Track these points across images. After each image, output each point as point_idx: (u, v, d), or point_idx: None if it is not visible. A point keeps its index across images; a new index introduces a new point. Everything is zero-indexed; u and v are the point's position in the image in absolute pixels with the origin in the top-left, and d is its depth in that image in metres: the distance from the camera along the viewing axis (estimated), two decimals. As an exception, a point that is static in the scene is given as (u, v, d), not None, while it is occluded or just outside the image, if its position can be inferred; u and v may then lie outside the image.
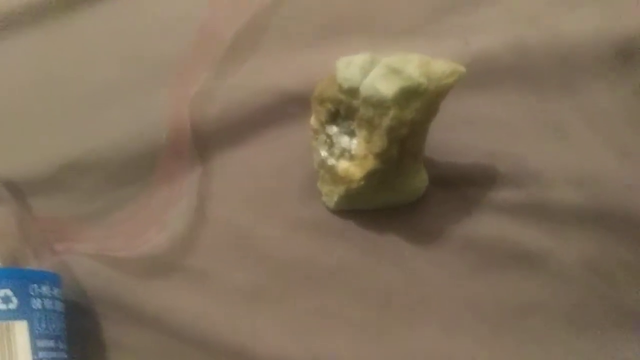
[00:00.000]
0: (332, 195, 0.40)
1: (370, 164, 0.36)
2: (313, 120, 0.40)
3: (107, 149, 0.43)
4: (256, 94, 0.43)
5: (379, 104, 0.35)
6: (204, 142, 0.43)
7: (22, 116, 0.46)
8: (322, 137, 0.40)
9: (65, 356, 0.36)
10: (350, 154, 0.38)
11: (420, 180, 0.39)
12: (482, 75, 0.42)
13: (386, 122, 0.35)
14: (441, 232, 0.39)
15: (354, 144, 0.38)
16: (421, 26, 0.45)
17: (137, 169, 0.43)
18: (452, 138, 0.41)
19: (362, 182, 0.37)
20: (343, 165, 0.38)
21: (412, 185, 0.39)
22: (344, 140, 0.38)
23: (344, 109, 0.37)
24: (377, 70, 0.35)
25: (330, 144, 0.39)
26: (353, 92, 0.36)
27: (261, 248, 0.40)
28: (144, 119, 0.43)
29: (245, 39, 0.46)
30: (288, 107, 0.43)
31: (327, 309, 0.38)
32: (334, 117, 0.38)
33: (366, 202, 0.40)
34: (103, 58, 0.47)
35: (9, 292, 0.32)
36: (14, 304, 0.32)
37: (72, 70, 0.47)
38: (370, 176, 0.37)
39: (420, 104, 0.35)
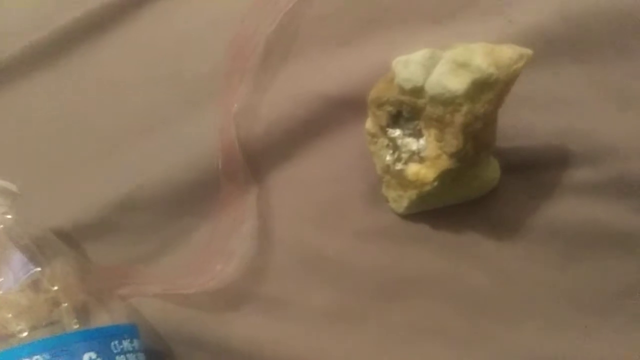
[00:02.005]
0: (401, 200, 0.38)
1: (445, 163, 0.35)
2: (370, 125, 0.38)
3: (157, 181, 0.41)
4: (299, 103, 0.41)
5: (449, 102, 0.33)
6: (254, 160, 0.41)
7: (59, 158, 0.44)
8: (383, 141, 0.38)
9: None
10: (420, 156, 0.36)
11: (493, 170, 0.37)
12: (533, 51, 0.39)
13: (459, 119, 0.33)
14: (522, 223, 0.37)
15: (422, 145, 0.36)
16: (459, 10, 0.43)
17: (192, 199, 0.41)
18: (516, 122, 0.38)
19: (436, 184, 0.35)
20: (413, 168, 0.36)
21: (486, 177, 0.37)
22: (410, 143, 0.36)
23: (408, 110, 0.35)
24: (441, 66, 0.33)
25: (394, 148, 0.37)
26: (417, 91, 0.34)
27: (334, 264, 0.38)
28: (191, 144, 0.41)
29: (277, 46, 0.44)
30: (335, 113, 0.41)
31: (417, 321, 0.36)
32: (396, 119, 0.36)
33: (438, 202, 0.38)
34: (135, 84, 0.45)
35: (93, 355, 0.31)
36: (100, 366, 0.30)
37: (105, 101, 0.45)
38: (443, 176, 0.35)
39: (493, 94, 0.33)
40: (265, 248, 0.39)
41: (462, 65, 0.32)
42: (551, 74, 0.39)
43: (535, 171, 0.38)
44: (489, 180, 0.37)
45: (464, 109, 0.32)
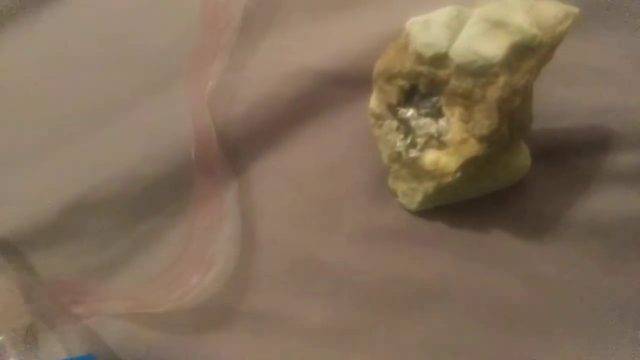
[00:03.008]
0: (413, 194, 0.33)
1: (472, 149, 0.29)
2: (375, 104, 0.33)
3: (117, 176, 0.36)
4: (286, 80, 0.37)
5: (482, 72, 0.27)
6: (234, 150, 0.36)
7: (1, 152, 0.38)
8: (391, 123, 0.32)
9: None
10: (439, 141, 0.30)
11: (523, 157, 0.32)
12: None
13: (494, 93, 0.27)
14: (557, 219, 0.32)
15: (443, 126, 0.30)
16: None
17: (160, 198, 0.36)
18: (547, 98, 0.33)
19: (459, 174, 0.30)
20: (431, 156, 0.31)
21: (515, 165, 0.32)
22: (427, 124, 0.31)
23: (425, 84, 0.30)
24: (472, 27, 0.28)
25: (407, 131, 0.32)
26: (439, 60, 0.29)
27: (332, 272, 0.33)
28: (157, 132, 0.36)
29: (258, 14, 0.39)
30: (330, 91, 0.37)
31: (434, 339, 0.31)
32: (409, 96, 0.31)
33: (457, 195, 0.33)
34: (89, 62, 0.39)
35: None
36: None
37: (53, 82, 0.39)
38: (468, 165, 0.30)
39: (535, 62, 0.27)
40: (250, 254, 0.34)
41: (498, 25, 0.27)
42: (587, 43, 0.35)
43: (570, 157, 0.34)
44: (518, 169, 0.32)
45: (501, 80, 0.27)
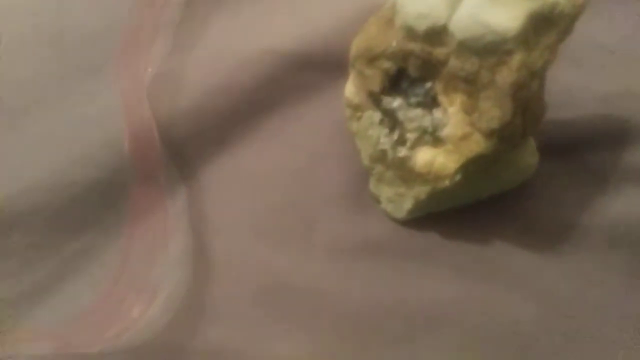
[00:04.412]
0: (401, 201, 0.28)
1: (477, 147, 0.25)
2: (351, 92, 0.29)
3: (37, 184, 0.32)
4: (242, 64, 0.34)
5: (491, 48, 0.23)
6: (180, 149, 0.33)
7: None
8: (373, 115, 0.28)
9: None
10: (435, 136, 0.26)
11: (529, 153, 0.28)
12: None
13: (507, 76, 0.23)
14: (570, 226, 0.29)
15: (439, 119, 0.26)
16: None
17: (90, 209, 0.32)
18: (556, 85, 0.29)
19: (458, 177, 0.26)
20: (424, 155, 0.26)
21: (519, 163, 0.28)
22: (419, 116, 0.26)
23: (417, 67, 0.25)
24: None
25: (393, 125, 0.27)
26: (435, 35, 0.24)
27: (305, 296, 0.29)
28: (85, 129, 0.33)
29: None
30: (295, 77, 0.34)
31: None
32: (395, 81, 0.27)
33: (453, 200, 0.28)
34: (7, 47, 0.36)
35: None
36: None
37: None
38: (470, 165, 0.25)
39: (555, 36, 0.23)
40: (203, 278, 0.30)
41: (512, -10, 0.22)
42: (598, 21, 0.31)
43: (583, 152, 0.31)
44: (524, 168, 0.28)
45: (516, 59, 0.23)
